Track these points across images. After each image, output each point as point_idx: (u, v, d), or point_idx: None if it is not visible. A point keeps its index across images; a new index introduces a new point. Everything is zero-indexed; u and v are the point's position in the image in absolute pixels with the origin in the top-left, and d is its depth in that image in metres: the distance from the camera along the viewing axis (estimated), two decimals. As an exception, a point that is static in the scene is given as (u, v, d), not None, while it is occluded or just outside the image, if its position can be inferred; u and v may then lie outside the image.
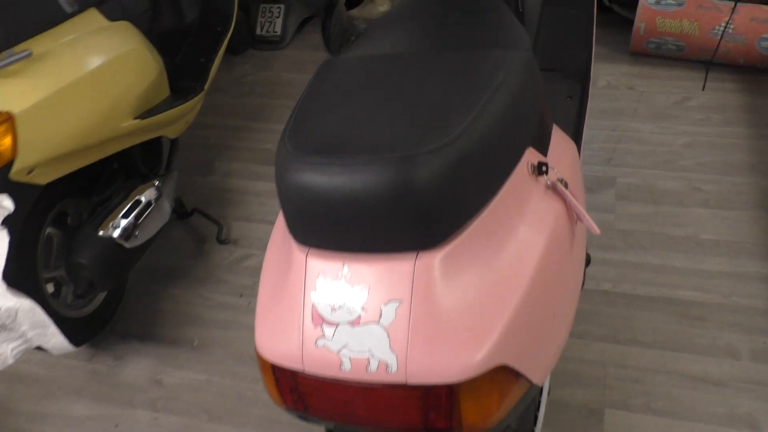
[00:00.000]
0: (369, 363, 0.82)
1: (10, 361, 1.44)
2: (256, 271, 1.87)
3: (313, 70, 2.56)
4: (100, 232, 1.48)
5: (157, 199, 1.64)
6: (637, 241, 1.77)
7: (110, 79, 1.46)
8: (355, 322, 0.82)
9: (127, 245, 1.52)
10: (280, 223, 1.00)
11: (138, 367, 1.71)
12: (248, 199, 2.09)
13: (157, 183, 1.66)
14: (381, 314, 0.81)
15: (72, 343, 1.60)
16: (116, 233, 1.50)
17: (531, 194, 0.95)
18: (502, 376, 0.84)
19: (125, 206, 1.56)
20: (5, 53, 1.26)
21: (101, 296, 1.71)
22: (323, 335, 0.83)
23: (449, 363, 0.80)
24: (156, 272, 1.91)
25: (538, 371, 0.91)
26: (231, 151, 2.27)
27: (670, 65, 2.30)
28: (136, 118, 1.55)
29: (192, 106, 1.81)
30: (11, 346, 1.43)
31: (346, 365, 0.83)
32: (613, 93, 2.25)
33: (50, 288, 1.61)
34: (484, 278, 0.85)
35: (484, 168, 0.84)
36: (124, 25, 1.57)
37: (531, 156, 0.97)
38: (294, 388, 0.89)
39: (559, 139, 1.13)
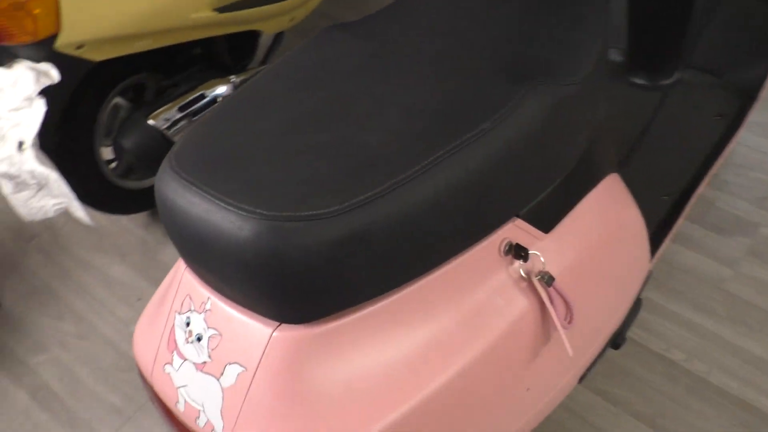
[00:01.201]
0: (199, 416, 0.70)
1: (51, 214, 1.50)
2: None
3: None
4: (151, 121, 1.45)
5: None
6: (743, 316, 1.41)
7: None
8: (200, 367, 0.70)
9: (174, 140, 1.47)
10: None
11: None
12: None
13: (233, 79, 1.57)
14: (223, 372, 0.68)
15: (118, 212, 1.64)
16: (166, 125, 1.45)
17: (487, 280, 0.72)
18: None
19: (187, 98, 1.50)
20: None
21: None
22: (171, 363, 0.73)
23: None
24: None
25: None
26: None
27: None
28: (215, 9, 1.44)
29: (299, 2, 1.65)
30: (53, 201, 1.48)
31: (181, 406, 0.72)
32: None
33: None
34: (364, 374, 0.67)
35: (404, 244, 0.63)
36: None
37: (514, 231, 0.74)
38: (150, 391, 0.80)
39: (601, 206, 0.85)
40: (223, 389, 0.67)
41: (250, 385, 0.66)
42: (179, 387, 0.71)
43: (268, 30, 1.64)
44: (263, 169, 0.63)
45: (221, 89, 1.55)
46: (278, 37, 1.75)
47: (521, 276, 0.74)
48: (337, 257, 0.59)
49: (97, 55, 1.32)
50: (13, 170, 1.38)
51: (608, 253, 0.87)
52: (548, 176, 0.75)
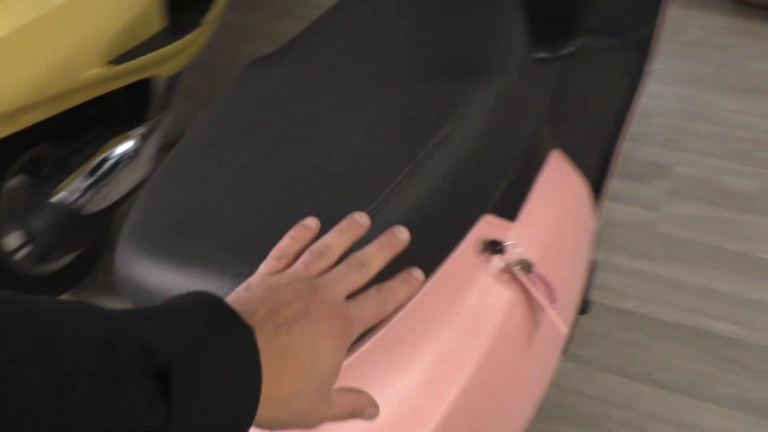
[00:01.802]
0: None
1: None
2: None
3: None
4: (55, 197, 1.36)
5: (135, 151, 1.49)
6: (678, 252, 1.50)
7: (72, 22, 1.28)
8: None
9: (84, 212, 1.38)
10: None
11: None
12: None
13: (136, 132, 1.50)
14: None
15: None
16: (72, 199, 1.37)
17: (473, 283, 0.73)
18: None
19: (90, 164, 1.41)
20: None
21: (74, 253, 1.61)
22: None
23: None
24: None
25: None
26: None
27: (778, 23, 1.88)
28: (110, 62, 1.37)
29: (192, 40, 1.60)
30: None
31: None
32: (697, 52, 1.87)
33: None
34: (384, 404, 0.66)
35: (393, 267, 0.63)
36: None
37: (485, 228, 0.74)
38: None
39: (553, 183, 0.88)
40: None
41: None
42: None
43: (163, 74, 1.58)
44: (236, 221, 0.61)
45: (125, 146, 1.48)
46: (173, 79, 1.69)
47: (501, 269, 0.75)
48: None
49: (-10, 136, 1.23)
50: None
51: (568, 225, 0.90)
52: (506, 166, 0.76)
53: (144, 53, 1.44)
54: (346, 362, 0.64)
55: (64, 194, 1.36)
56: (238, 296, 0.47)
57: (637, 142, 1.68)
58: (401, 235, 0.54)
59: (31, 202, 1.37)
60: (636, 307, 1.44)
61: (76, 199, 1.37)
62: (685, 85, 1.80)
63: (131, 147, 1.47)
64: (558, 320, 0.76)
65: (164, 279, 0.59)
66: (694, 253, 1.49)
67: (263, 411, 0.40)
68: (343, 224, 0.53)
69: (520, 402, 0.79)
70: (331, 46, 0.83)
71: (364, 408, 0.50)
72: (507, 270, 0.75)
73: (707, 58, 1.85)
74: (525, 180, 0.82)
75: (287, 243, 0.52)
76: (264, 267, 0.51)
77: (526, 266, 0.75)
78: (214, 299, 0.41)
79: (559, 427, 1.30)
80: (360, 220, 0.54)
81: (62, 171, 1.40)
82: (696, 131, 1.70)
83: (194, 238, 0.60)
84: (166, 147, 1.65)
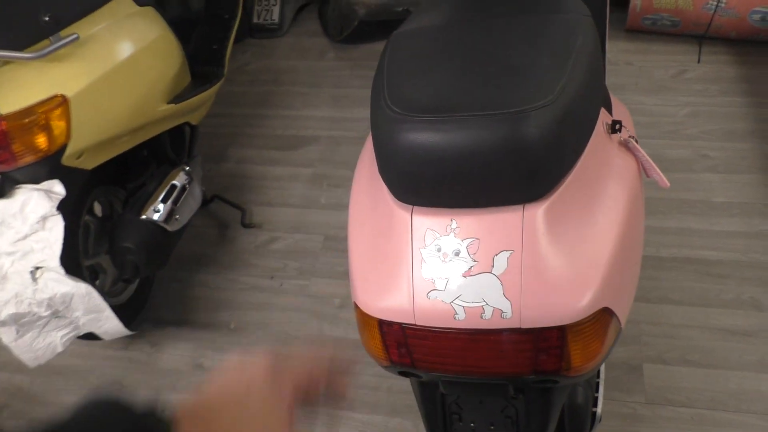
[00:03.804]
0: (483, 311, 0.85)
1: (60, 349, 1.43)
2: (285, 254, 1.88)
3: (315, 57, 2.56)
4: (143, 216, 1.48)
5: (189, 184, 1.64)
6: (655, 207, 1.84)
7: (147, 64, 1.47)
8: (468, 273, 0.85)
9: (169, 228, 1.52)
10: (364, 185, 1.02)
11: (177, 352, 1.71)
12: (267, 183, 2.09)
13: (187, 168, 1.66)
14: (493, 264, 0.84)
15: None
16: (157, 216, 1.50)
17: (609, 151, 0.99)
18: (603, 318, 0.89)
19: (162, 191, 1.55)
20: (53, 38, 1.25)
21: (134, 285, 1.70)
22: (435, 287, 0.87)
23: (559, 307, 0.84)
24: (182, 259, 1.90)
25: (625, 313, 0.96)
26: (243, 138, 2.27)
27: (665, 40, 2.39)
28: (169, 102, 1.55)
29: (213, 92, 1.81)
30: (61, 333, 1.42)
31: (460, 314, 0.86)
32: (613, 69, 2.32)
33: (87, 277, 1.60)
34: (582, 228, 0.89)
35: (579, 125, 0.88)
36: (151, 11, 1.56)
37: (604, 116, 1.02)
38: (402, 342, 0.91)
39: (615, 100, 1.18)
40: (498, 276, 0.84)
41: (521, 259, 0.84)
42: (452, 300, 0.86)
43: (193, 120, 1.77)
44: (477, 92, 0.84)
45: (182, 177, 1.63)
46: (195, 129, 1.86)
47: (620, 141, 1.02)
48: (562, 133, 0.82)
49: (91, 163, 1.36)
50: (22, 308, 1.32)
51: (632, 127, 1.19)
52: (602, 74, 1.05)
53: (187, 98, 1.64)
54: (562, 189, 0.87)
55: (150, 213, 1.48)
56: None
57: (594, 134, 2.06)
58: None
59: (122, 224, 1.47)
60: (636, 251, 1.74)
61: (161, 218, 1.49)
62: (613, 92, 2.23)
63: (187, 179, 1.63)
64: (663, 176, 1.03)
65: (433, 132, 0.81)
66: (666, 206, 1.85)
67: None
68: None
69: (641, 239, 1.04)
70: (447, 9, 1.09)
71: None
72: (624, 144, 1.03)
73: (621, 72, 2.31)
74: (607, 90, 1.11)
75: None
76: None
77: (635, 140, 1.03)
78: None
79: (610, 349, 1.54)
80: None
81: (136, 200, 1.53)
82: (636, 122, 2.11)
83: (444, 105, 0.83)
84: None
